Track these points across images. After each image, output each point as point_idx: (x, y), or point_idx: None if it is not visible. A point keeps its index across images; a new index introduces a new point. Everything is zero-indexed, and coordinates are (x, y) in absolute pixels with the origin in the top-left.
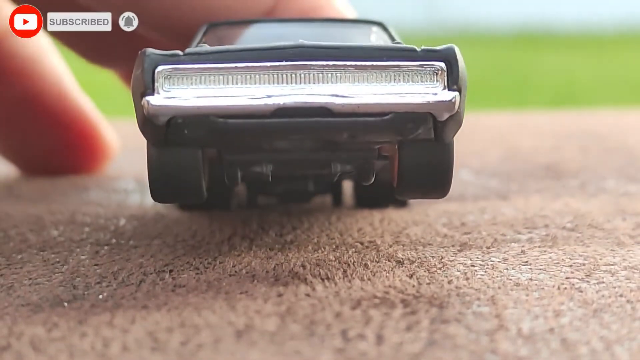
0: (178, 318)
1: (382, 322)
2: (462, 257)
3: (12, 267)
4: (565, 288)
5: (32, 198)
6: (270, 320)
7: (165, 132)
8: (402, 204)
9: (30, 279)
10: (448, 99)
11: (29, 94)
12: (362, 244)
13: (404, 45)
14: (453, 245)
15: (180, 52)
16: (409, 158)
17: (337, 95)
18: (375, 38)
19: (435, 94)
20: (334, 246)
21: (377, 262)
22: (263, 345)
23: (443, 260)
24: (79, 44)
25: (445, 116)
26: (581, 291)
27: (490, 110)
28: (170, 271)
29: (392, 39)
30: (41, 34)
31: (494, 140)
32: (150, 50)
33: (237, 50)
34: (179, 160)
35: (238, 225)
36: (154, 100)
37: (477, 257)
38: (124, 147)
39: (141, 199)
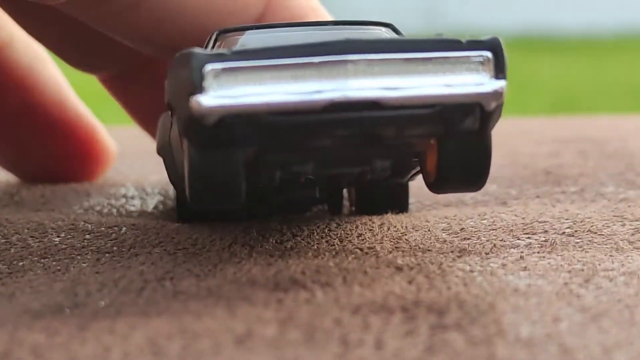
0: (178, 324)
1: (381, 327)
2: (461, 263)
3: (14, 275)
4: (564, 294)
5: (33, 205)
6: (270, 326)
7: (212, 133)
8: (402, 209)
9: (31, 287)
10: (496, 88)
11: (28, 103)
12: (361, 250)
13: (448, 36)
14: (452, 251)
15: (226, 51)
16: (451, 150)
17: (387, 89)
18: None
19: (483, 84)
20: (333, 252)
21: (377, 268)
22: (263, 351)
23: (442, 266)
24: (61, 47)
25: (493, 106)
26: (579, 297)
27: None
28: (171, 278)
29: None
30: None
31: (493, 146)
32: (196, 49)
33: (284, 47)
34: (223, 162)
35: (238, 233)
36: (205, 100)
37: (476, 263)
38: (123, 154)
39: (142, 205)
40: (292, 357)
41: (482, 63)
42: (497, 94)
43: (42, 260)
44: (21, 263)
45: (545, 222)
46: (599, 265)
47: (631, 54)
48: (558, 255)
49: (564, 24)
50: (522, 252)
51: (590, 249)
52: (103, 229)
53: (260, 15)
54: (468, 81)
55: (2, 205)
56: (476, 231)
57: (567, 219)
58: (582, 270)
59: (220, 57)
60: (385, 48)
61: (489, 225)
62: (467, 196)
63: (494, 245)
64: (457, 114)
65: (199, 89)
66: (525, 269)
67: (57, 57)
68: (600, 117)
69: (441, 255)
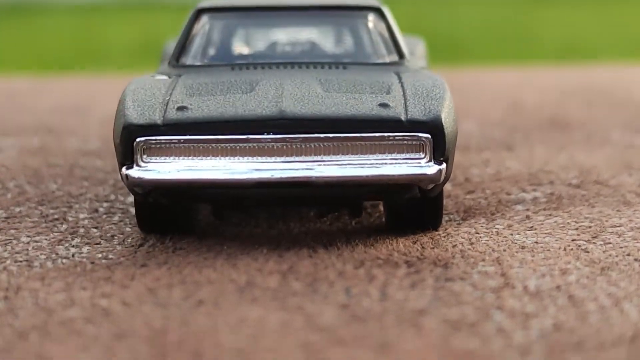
0: (178, 275)
1: (386, 280)
2: (466, 226)
3: (11, 220)
4: (572, 249)
5: (30, 150)
6: (272, 277)
7: (147, 195)
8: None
9: (28, 235)
10: (433, 172)
11: None
12: (365, 210)
13: (389, 113)
14: (457, 211)
15: (159, 122)
16: (396, 211)
17: (319, 168)
18: (373, 27)
19: (421, 166)
20: (336, 215)
21: (381, 230)
22: (264, 301)
23: (447, 230)
24: None
25: (431, 186)
26: (587, 251)
27: (493, 65)
28: (171, 237)
29: (389, 28)
30: None
31: (497, 96)
32: (129, 117)
33: (217, 122)
34: (160, 209)
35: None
36: (133, 172)
37: (482, 225)
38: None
39: None
40: (294, 307)
41: (421, 145)
42: (434, 177)
43: (40, 208)
44: (18, 209)
45: (550, 171)
46: (607, 221)
47: (636, 2)
48: (565, 212)
49: None
50: (528, 209)
51: (597, 203)
52: (101, 175)
53: None
54: (406, 162)
55: None
56: (481, 182)
57: (573, 168)
58: (590, 227)
59: (151, 130)
60: (321, 127)
61: (494, 174)
62: (472, 142)
63: (500, 200)
64: (393, 192)
65: (129, 161)
66: (531, 228)
67: None
68: (606, 66)
69: (445, 216)
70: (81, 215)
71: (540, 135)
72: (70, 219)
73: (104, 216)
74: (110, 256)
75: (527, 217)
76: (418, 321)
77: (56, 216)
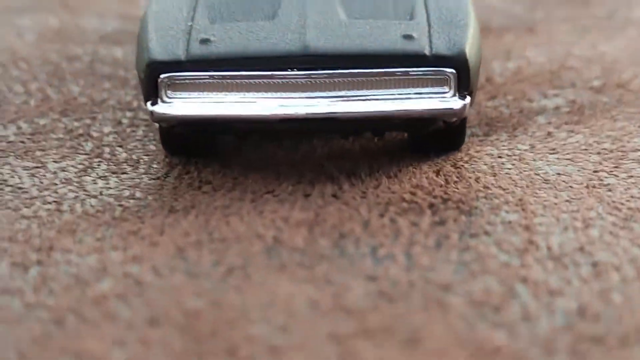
0: (206, 229)
1: (411, 237)
2: (488, 144)
3: (36, 137)
4: (594, 186)
5: (48, 35)
6: (298, 232)
7: (173, 127)
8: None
9: (55, 161)
10: (458, 107)
11: None
12: None
13: (414, 47)
14: (479, 124)
15: (182, 57)
16: (419, 137)
17: (343, 103)
18: None
19: (445, 100)
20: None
21: (404, 152)
22: (292, 268)
23: (469, 151)
24: None
25: (455, 119)
26: (610, 190)
27: None
28: (195, 163)
29: None
30: None
31: None
32: (152, 53)
33: (241, 58)
34: (185, 136)
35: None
36: (158, 108)
37: (504, 145)
38: None
39: None
40: (322, 279)
41: (446, 80)
42: (459, 112)
43: (63, 120)
44: (42, 122)
45: (572, 68)
46: (629, 142)
47: None
48: (586, 128)
49: None
50: (550, 123)
51: (619, 115)
52: (122, 73)
53: None
54: (430, 96)
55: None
56: (503, 84)
57: (595, 63)
58: (612, 151)
59: (175, 66)
60: (346, 63)
61: (515, 73)
62: (492, 20)
63: (521, 110)
64: (417, 126)
65: (153, 96)
66: (554, 150)
67: None
68: None
69: (468, 130)
70: (105, 130)
71: (562, 10)
72: (94, 134)
73: (128, 130)
74: (138, 194)
75: (549, 133)
76: (444, 301)
77: (80, 131)
